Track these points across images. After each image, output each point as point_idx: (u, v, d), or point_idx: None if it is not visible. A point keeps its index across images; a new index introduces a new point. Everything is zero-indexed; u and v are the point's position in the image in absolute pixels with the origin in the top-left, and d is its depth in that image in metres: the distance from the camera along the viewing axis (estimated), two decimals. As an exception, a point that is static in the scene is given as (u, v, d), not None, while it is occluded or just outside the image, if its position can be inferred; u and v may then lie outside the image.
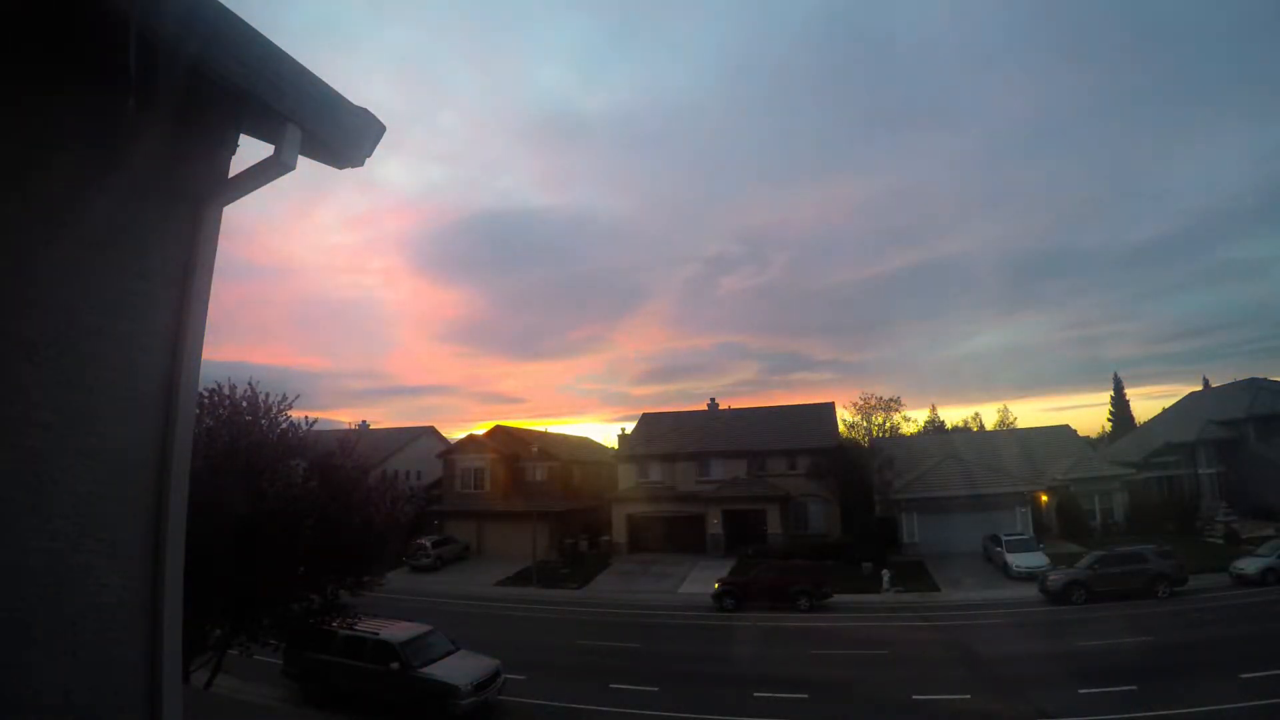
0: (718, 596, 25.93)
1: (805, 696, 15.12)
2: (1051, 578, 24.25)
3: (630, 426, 48.93)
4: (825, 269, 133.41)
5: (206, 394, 11.80)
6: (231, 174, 2.69)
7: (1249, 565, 24.26)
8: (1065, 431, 43.70)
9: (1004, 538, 29.82)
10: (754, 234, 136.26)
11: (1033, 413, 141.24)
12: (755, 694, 15.39)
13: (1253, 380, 42.64)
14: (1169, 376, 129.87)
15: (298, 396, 13.01)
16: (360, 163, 2.79)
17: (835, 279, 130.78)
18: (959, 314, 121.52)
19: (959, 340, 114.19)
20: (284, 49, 2.32)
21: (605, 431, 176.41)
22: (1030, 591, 24.87)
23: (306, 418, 13.41)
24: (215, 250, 2.66)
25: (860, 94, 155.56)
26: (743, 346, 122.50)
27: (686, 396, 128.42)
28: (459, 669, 14.43)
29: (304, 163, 2.61)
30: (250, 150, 2.68)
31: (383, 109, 2.80)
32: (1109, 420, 73.89)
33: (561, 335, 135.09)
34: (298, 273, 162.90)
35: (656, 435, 44.68)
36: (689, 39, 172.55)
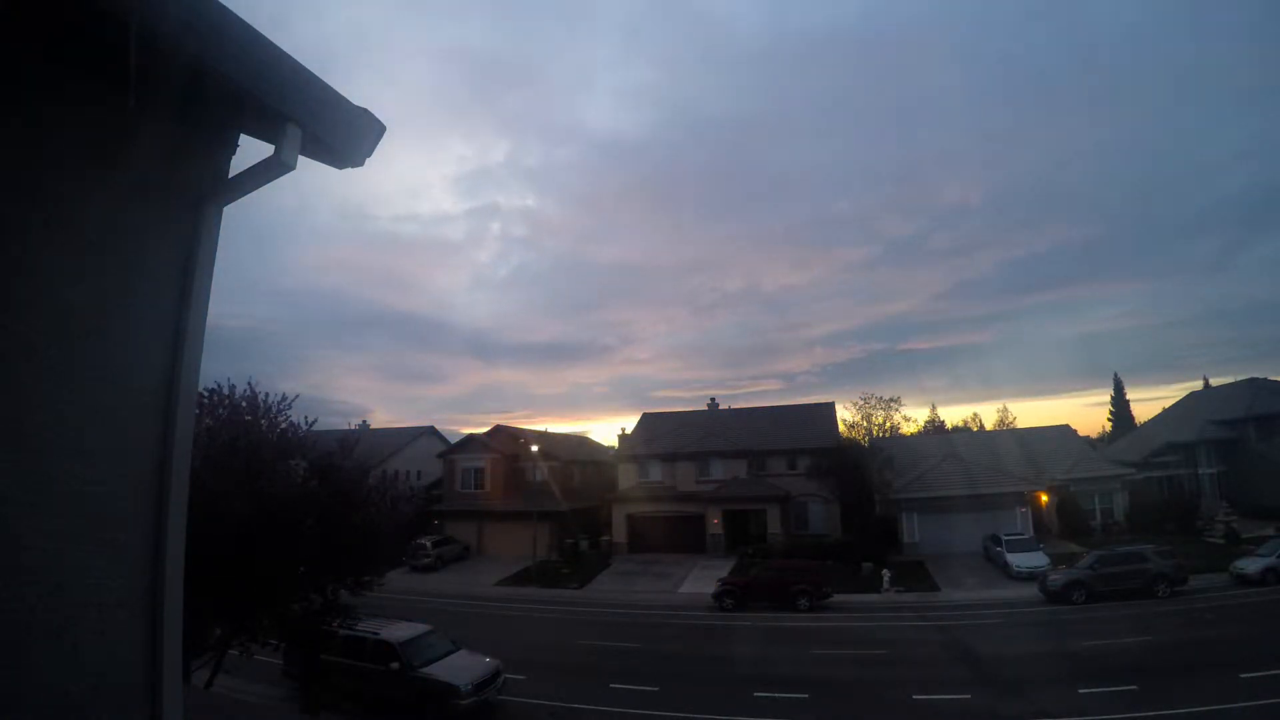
0: (718, 596, 25.94)
1: (805, 696, 15.13)
2: (1052, 577, 24.26)
3: (630, 426, 48.94)
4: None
5: (206, 394, 11.81)
6: (231, 174, 2.69)
7: (1249, 565, 24.27)
8: (1065, 431, 43.68)
9: (1004, 537, 29.83)
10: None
11: (1033, 412, 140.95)
12: (755, 694, 15.39)
13: (1253, 380, 42.71)
14: (1169, 377, 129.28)
15: (297, 396, 13.04)
16: (360, 162, 2.79)
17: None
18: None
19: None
20: (285, 49, 2.32)
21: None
22: (1030, 591, 24.87)
23: (306, 418, 13.42)
24: (215, 250, 2.66)
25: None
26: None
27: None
28: (459, 669, 14.43)
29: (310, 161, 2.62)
30: (250, 150, 2.69)
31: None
32: (1109, 420, 73.97)
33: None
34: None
35: (657, 435, 44.69)
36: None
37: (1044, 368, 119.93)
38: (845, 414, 52.36)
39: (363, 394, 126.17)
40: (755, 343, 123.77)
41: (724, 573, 29.50)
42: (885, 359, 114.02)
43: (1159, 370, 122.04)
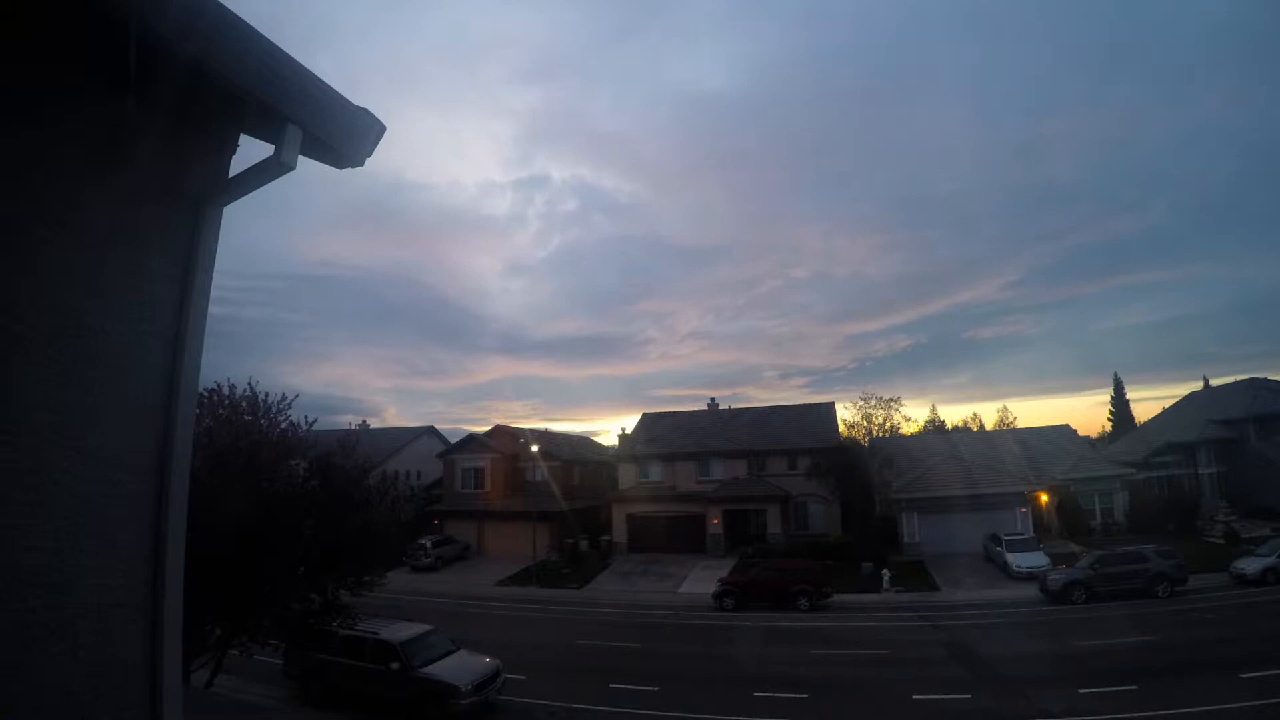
0: (718, 596, 25.95)
1: (805, 696, 15.13)
2: (1052, 577, 24.26)
3: (630, 425, 48.93)
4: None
5: (206, 393, 11.83)
6: (231, 174, 2.69)
7: (1249, 565, 24.27)
8: (1065, 431, 43.68)
9: (1004, 537, 29.84)
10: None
11: (1033, 412, 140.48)
12: (755, 694, 15.39)
13: (1253, 380, 42.65)
14: (1169, 377, 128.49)
15: (297, 396, 13.05)
16: (360, 163, 2.79)
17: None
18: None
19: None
20: (285, 49, 2.32)
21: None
22: (1030, 591, 24.88)
23: (306, 417, 13.43)
24: (215, 250, 2.66)
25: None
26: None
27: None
28: (459, 669, 14.44)
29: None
30: (250, 150, 2.69)
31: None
32: (1109, 420, 73.90)
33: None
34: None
35: (657, 435, 44.69)
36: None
37: (1045, 367, 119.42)
38: (845, 413, 52.48)
39: (378, 389, 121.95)
40: (790, 333, 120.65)
41: (724, 573, 29.47)
42: (889, 359, 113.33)
43: (1159, 370, 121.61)
